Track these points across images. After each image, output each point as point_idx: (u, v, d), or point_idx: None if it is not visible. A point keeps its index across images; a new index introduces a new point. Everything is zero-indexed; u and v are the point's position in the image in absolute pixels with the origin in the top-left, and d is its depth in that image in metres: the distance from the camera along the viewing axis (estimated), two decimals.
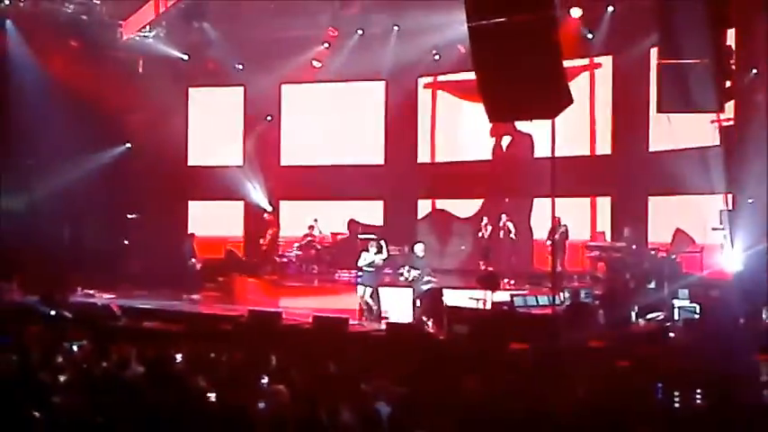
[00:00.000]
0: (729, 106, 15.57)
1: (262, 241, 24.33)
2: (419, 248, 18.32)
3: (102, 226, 23.13)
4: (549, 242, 20.69)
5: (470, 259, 22.81)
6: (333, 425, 8.16)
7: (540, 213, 22.50)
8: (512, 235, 22.30)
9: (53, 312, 17.54)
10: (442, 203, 25.28)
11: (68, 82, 22.32)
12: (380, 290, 18.31)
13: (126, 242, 24.15)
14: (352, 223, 24.60)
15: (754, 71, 17.15)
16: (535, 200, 22.89)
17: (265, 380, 10.71)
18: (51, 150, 21.75)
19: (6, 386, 9.53)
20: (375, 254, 18.10)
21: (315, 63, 24.44)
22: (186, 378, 10.52)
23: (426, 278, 18.05)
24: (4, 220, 20.98)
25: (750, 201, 16.41)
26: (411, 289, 18.06)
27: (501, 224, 22.32)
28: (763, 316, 14.82)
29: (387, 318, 17.77)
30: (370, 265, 18.05)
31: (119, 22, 23.27)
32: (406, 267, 18.11)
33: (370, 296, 18.01)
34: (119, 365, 11.30)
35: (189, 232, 22.86)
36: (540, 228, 22.53)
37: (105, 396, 9.01)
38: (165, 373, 11.11)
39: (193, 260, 21.71)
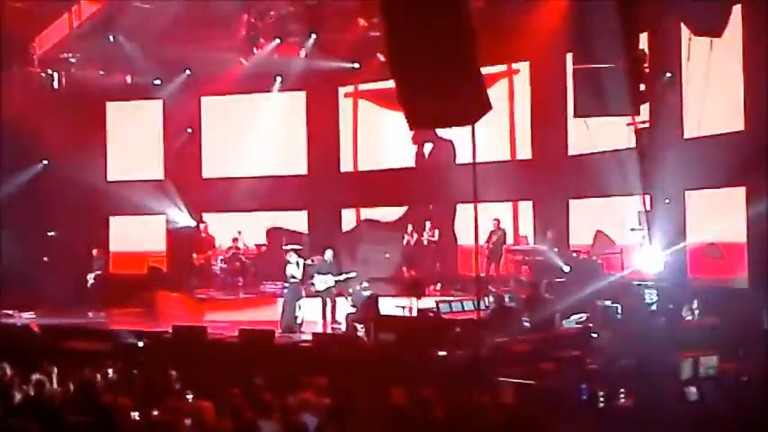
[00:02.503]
0: (644, 109, 15.84)
1: (196, 256, 24.01)
2: (328, 254, 18.59)
3: (20, 244, 22.64)
4: (487, 246, 20.86)
5: (396, 267, 22.81)
6: None
7: (464, 219, 22.66)
8: (436, 241, 22.41)
9: None
10: (366, 212, 25.31)
11: None
12: (305, 300, 18.38)
13: (45, 260, 23.71)
14: (273, 231, 24.44)
15: (668, 74, 17.48)
16: (459, 206, 23.00)
17: (190, 396, 10.60)
18: None
19: None
20: (299, 265, 18.18)
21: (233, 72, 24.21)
22: (109, 397, 10.36)
23: (365, 284, 18.24)
24: None
25: (666, 201, 16.71)
26: (320, 299, 18.29)
27: (425, 231, 22.41)
28: (683, 314, 15.12)
29: (308, 330, 17.80)
30: (293, 277, 18.10)
31: (32, 37, 22.85)
32: (316, 276, 18.33)
33: (296, 308, 18.03)
34: (38, 387, 11.06)
35: (92, 250, 22.52)
36: (464, 234, 22.69)
37: (25, 420, 8.81)
38: (87, 392, 10.92)
39: (93, 275, 21.49)
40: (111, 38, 22.46)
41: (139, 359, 14.20)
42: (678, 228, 17.21)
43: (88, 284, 21.55)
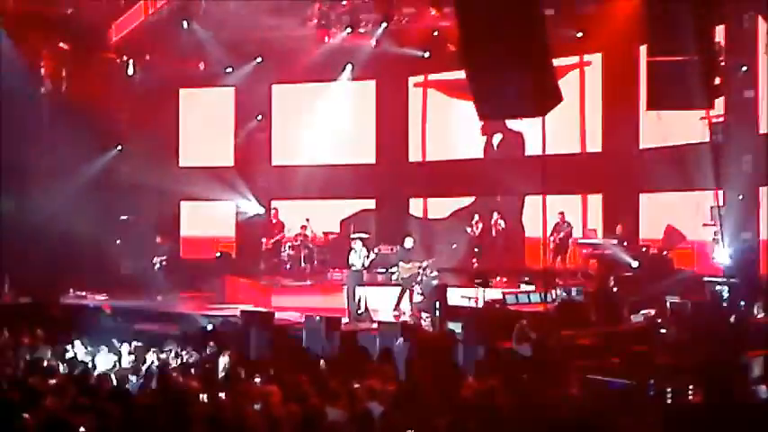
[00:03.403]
0: (719, 103, 15.60)
1: (265, 240, 24.24)
2: (408, 242, 18.58)
3: (94, 227, 23.03)
4: (551, 240, 20.73)
5: (463, 257, 22.79)
6: (325, 425, 8.18)
7: (532, 211, 22.55)
8: (503, 232, 22.33)
9: (45, 314, 17.56)
10: (433, 202, 25.32)
11: (58, 84, 22.25)
12: (370, 289, 18.42)
13: (118, 242, 24.08)
14: (344, 222, 24.56)
15: (744, 68, 17.17)
16: (527, 197, 22.89)
17: (258, 380, 10.74)
18: (42, 152, 21.71)
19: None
20: (365, 254, 18.24)
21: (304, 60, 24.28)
22: (179, 380, 10.54)
23: (434, 273, 18.26)
24: None
25: (740, 197, 16.45)
26: (400, 287, 18.26)
27: (492, 222, 22.33)
28: (754, 311, 14.89)
29: (374, 318, 17.84)
30: (353, 265, 18.21)
31: (109, 23, 23.20)
32: (398, 265, 18.32)
33: (359, 296, 18.11)
34: (109, 367, 11.31)
35: (157, 238, 22.79)
36: (532, 225, 22.57)
37: (96, 399, 9.00)
38: (157, 374, 11.12)
39: (160, 260, 21.82)
40: (186, 25, 22.71)
41: (208, 343, 14.40)
42: (751, 224, 16.92)
43: (155, 269, 21.87)
